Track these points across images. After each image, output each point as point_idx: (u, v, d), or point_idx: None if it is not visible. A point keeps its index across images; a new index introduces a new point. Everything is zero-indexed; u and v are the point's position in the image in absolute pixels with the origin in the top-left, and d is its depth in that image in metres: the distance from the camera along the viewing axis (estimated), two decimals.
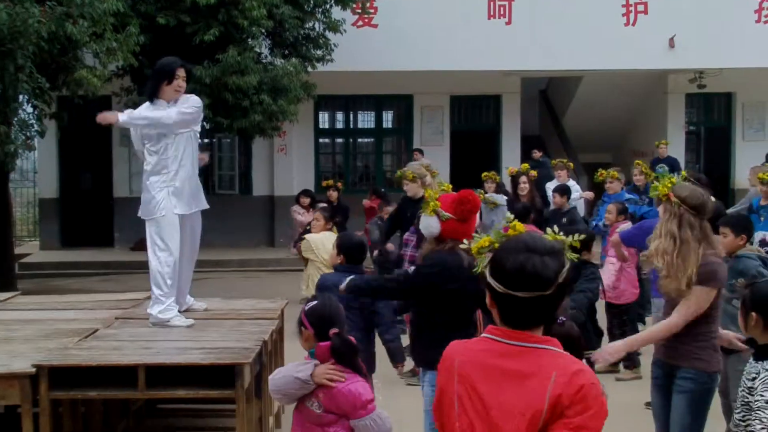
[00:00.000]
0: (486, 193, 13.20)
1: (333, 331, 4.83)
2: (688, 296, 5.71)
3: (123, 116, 7.76)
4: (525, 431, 2.97)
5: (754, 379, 4.94)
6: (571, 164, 16.36)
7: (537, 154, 21.75)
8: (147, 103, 7.82)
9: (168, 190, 7.68)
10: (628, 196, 12.99)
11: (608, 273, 10.42)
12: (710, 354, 5.81)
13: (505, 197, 13.31)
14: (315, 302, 5.03)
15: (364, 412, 4.76)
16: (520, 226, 3.25)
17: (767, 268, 7.22)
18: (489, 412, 3.03)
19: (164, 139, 7.73)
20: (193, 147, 7.87)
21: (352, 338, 4.94)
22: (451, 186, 6.75)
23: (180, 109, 7.70)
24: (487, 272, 3.10)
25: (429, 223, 5.99)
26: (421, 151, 22.12)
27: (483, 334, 3.15)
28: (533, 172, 14.92)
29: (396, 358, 7.47)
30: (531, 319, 3.07)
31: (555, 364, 3.02)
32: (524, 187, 14.04)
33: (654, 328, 6.30)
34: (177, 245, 7.70)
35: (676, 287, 5.75)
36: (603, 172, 14.13)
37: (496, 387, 3.03)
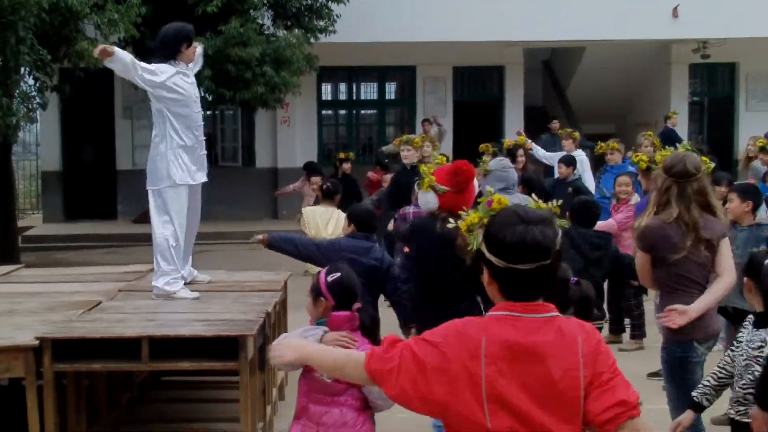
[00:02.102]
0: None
1: (357, 305, 4.81)
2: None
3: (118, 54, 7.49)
4: (566, 401, 3.00)
5: (760, 347, 4.94)
6: (576, 134, 16.28)
7: (555, 124, 21.66)
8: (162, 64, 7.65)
9: (172, 160, 7.63)
10: (631, 168, 12.94)
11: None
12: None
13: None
14: (338, 274, 4.94)
15: None
16: (504, 200, 3.21)
17: None
18: (530, 390, 2.99)
19: (166, 109, 7.66)
20: (196, 118, 7.81)
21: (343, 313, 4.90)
22: (445, 158, 6.71)
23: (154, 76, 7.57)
24: (484, 249, 3.05)
25: (427, 199, 5.98)
26: (430, 122, 22.08)
27: (498, 312, 3.06)
28: (529, 145, 14.87)
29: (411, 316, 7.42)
30: (534, 291, 3.04)
31: (572, 328, 3.05)
32: (521, 160, 13.96)
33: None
34: (183, 216, 7.66)
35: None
36: (603, 145, 14.10)
37: (531, 364, 2.99)
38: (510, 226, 3.00)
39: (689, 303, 5.69)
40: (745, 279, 5.05)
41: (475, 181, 6.34)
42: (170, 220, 7.60)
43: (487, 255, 3.03)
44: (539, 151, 15.48)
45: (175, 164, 7.60)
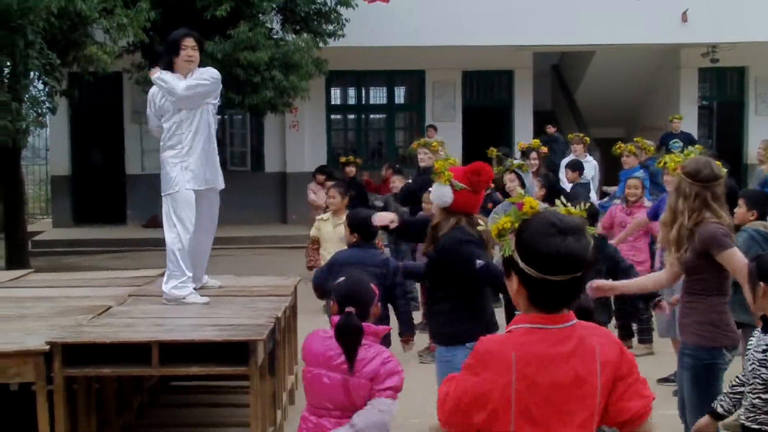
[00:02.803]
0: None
1: (348, 309, 4.80)
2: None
3: (156, 74, 7.69)
4: (588, 407, 3.01)
5: (765, 351, 4.92)
6: (587, 139, 16.27)
7: (551, 129, 21.68)
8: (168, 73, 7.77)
9: (182, 165, 7.65)
10: (641, 175, 12.94)
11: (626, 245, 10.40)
12: (709, 329, 5.76)
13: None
14: (341, 279, 5.01)
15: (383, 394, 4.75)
16: (534, 203, 3.16)
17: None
18: (552, 402, 2.99)
19: (178, 113, 7.69)
20: (209, 122, 7.83)
21: (367, 324, 4.87)
22: (455, 161, 6.70)
23: (189, 82, 7.65)
24: (517, 257, 3.01)
25: (443, 192, 5.93)
26: (434, 128, 22.10)
27: (526, 324, 3.03)
28: (544, 148, 14.84)
29: (408, 329, 7.42)
30: (564, 301, 3.02)
31: (590, 335, 3.06)
32: (534, 163, 13.92)
33: (644, 278, 6.36)
34: (191, 221, 7.66)
35: (675, 257, 5.85)
36: (621, 145, 14.09)
37: (555, 375, 2.99)
38: (545, 237, 2.96)
39: (703, 309, 5.75)
40: (762, 284, 4.98)
41: None
42: (180, 224, 7.61)
43: (521, 264, 2.98)
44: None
45: (182, 170, 7.63)
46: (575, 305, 3.30)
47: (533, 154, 14.24)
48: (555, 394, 2.98)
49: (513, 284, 3.06)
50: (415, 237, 7.12)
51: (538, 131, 22.76)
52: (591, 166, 15.33)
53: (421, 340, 10.04)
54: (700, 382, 5.81)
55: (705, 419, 5.29)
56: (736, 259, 5.68)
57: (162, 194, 7.72)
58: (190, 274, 7.71)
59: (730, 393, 5.21)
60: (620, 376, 3.07)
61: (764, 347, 4.93)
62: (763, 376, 4.91)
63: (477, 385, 3.01)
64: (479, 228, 5.77)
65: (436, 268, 6.11)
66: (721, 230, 5.70)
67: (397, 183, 13.28)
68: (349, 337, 4.74)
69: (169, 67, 7.76)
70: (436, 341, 6.27)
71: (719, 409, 5.22)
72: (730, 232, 5.77)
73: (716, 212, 5.75)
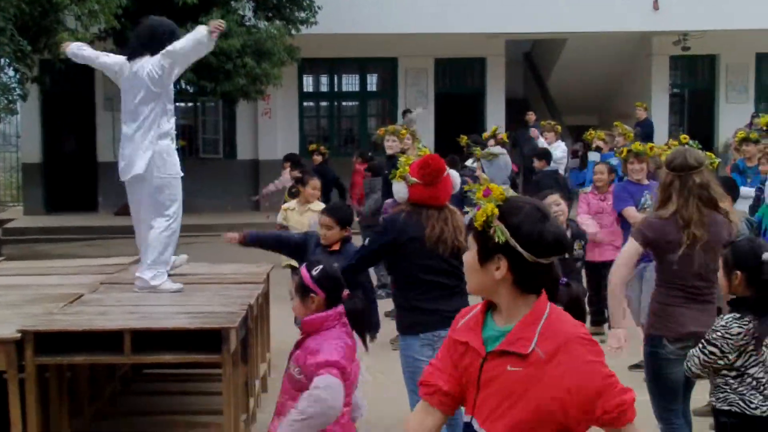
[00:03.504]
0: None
1: (347, 293, 4.81)
2: None
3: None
4: None
5: (738, 334, 4.99)
6: (559, 126, 16.33)
7: (531, 116, 21.67)
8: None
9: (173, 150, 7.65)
10: (614, 161, 12.99)
11: (590, 226, 10.38)
12: (657, 318, 5.82)
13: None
14: (320, 267, 4.87)
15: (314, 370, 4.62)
16: (500, 189, 3.18)
17: (751, 230, 7.25)
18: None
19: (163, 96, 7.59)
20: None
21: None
22: (427, 150, 6.73)
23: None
24: (514, 243, 3.01)
25: (398, 189, 6.01)
26: (410, 111, 22.09)
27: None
28: (503, 135, 14.86)
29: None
30: (545, 283, 3.08)
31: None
32: None
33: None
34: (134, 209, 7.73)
35: None
36: (592, 132, 14.15)
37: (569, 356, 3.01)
38: (540, 223, 3.03)
39: (676, 305, 5.76)
40: (738, 272, 5.03)
41: (454, 173, 6.37)
42: (175, 212, 7.59)
43: (519, 249, 3.00)
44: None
45: (168, 157, 7.62)
46: (567, 295, 3.33)
47: (491, 142, 14.25)
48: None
49: (498, 270, 3.04)
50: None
51: (516, 119, 22.79)
52: (560, 150, 15.39)
53: (392, 327, 10.08)
54: (647, 369, 5.92)
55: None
56: (626, 253, 5.85)
57: (162, 176, 7.58)
58: (171, 262, 7.71)
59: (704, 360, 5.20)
60: None
61: (728, 324, 5.00)
62: (726, 353, 4.99)
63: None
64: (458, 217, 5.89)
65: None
66: (648, 225, 5.81)
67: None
68: (363, 316, 4.86)
69: (158, 51, 7.59)
70: (402, 332, 6.30)
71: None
72: (669, 228, 5.70)
73: (675, 204, 5.73)
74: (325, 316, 4.74)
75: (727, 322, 5.02)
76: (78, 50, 7.92)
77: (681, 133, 20.38)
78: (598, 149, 13.98)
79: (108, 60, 7.82)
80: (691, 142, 8.30)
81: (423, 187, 5.92)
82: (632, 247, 5.80)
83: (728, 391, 5.04)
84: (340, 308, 4.80)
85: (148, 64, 7.42)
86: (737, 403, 5.01)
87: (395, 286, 6.27)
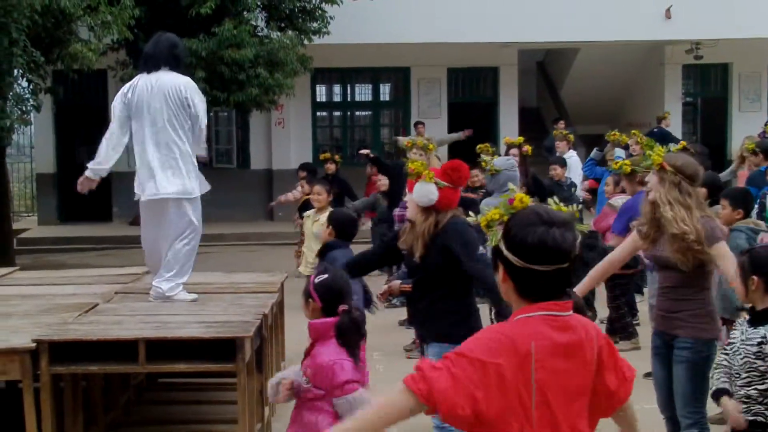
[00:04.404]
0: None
1: (343, 307, 4.79)
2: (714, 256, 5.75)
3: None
4: (587, 391, 3.11)
5: (760, 344, 4.96)
6: (571, 136, 16.29)
7: (561, 125, 21.51)
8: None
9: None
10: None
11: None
12: (706, 321, 5.83)
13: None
14: (326, 275, 4.96)
15: (340, 392, 4.71)
16: (526, 198, 3.20)
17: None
18: (566, 389, 3.04)
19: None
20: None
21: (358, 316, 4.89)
22: (437, 161, 6.77)
23: None
24: (502, 246, 3.06)
25: (429, 190, 5.94)
26: (423, 124, 22.09)
27: (539, 313, 3.05)
28: (527, 147, 14.81)
29: None
30: (550, 292, 3.05)
31: (586, 323, 3.14)
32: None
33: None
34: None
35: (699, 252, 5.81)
36: (616, 133, 14.18)
37: (566, 362, 3.04)
38: (531, 226, 3.01)
39: (698, 302, 5.82)
40: (754, 278, 5.04)
41: None
42: (196, 225, 7.63)
43: (505, 253, 3.04)
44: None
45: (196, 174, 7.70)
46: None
47: (513, 151, 14.17)
48: (568, 383, 3.04)
49: (500, 275, 3.11)
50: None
51: (529, 128, 22.73)
52: (573, 162, 15.32)
53: (406, 335, 10.09)
54: (697, 374, 5.85)
55: (728, 402, 5.23)
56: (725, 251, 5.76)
57: (192, 196, 7.62)
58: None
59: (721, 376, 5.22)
60: (609, 355, 3.20)
61: (759, 340, 4.98)
62: (761, 368, 4.97)
63: (491, 375, 2.97)
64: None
65: (430, 264, 6.11)
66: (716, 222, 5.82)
67: (384, 181, 13.26)
68: (355, 334, 4.78)
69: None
70: (430, 339, 6.24)
71: (725, 386, 5.24)
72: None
73: (706, 210, 5.83)
74: (329, 324, 4.81)
75: (749, 336, 5.04)
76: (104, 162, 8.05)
77: (695, 142, 20.42)
78: (626, 147, 13.97)
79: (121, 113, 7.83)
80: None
81: (451, 190, 5.96)
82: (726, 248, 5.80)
83: (754, 402, 5.02)
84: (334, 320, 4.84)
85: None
86: (763, 414, 4.99)
87: (445, 294, 6.13)
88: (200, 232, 7.64)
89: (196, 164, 7.67)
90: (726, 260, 5.66)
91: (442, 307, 6.10)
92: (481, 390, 2.93)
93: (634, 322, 10.67)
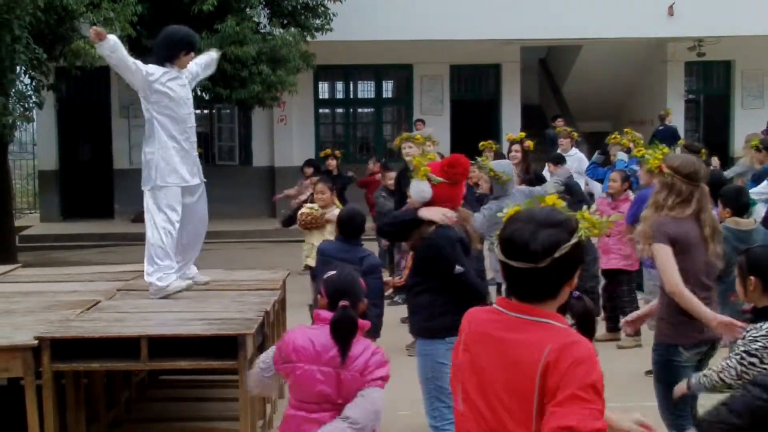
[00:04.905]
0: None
1: (343, 303, 4.80)
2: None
3: (112, 40, 7.49)
4: (519, 404, 2.99)
5: (755, 338, 4.95)
6: (575, 134, 16.27)
7: (560, 122, 21.53)
8: (153, 65, 7.71)
9: (161, 161, 7.72)
10: (633, 165, 12.94)
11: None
12: (667, 326, 5.82)
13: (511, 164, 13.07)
14: (332, 273, 4.99)
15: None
16: (558, 202, 3.20)
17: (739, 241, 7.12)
18: (486, 383, 3.06)
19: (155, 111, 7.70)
20: (186, 119, 7.87)
21: (364, 323, 4.89)
22: (435, 155, 6.70)
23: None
24: (495, 240, 3.15)
25: (421, 188, 5.93)
26: (423, 122, 22.10)
27: (493, 304, 3.17)
28: (529, 142, 14.77)
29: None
30: (531, 292, 3.05)
31: (552, 337, 2.97)
32: (515, 155, 13.75)
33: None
34: (175, 215, 7.74)
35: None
36: (617, 135, 14.15)
37: (494, 359, 3.05)
38: (512, 222, 3.07)
39: (667, 305, 5.81)
40: (752, 278, 5.03)
41: None
42: (160, 219, 7.61)
43: (495, 244, 3.12)
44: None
45: (164, 165, 7.62)
46: (580, 307, 3.30)
47: (515, 147, 14.14)
48: (492, 381, 3.05)
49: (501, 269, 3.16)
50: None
51: (531, 125, 22.70)
52: (576, 159, 15.30)
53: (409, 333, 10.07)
54: (659, 376, 5.90)
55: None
56: (663, 257, 5.76)
57: (143, 188, 7.71)
58: (176, 265, 7.73)
59: (715, 380, 5.19)
60: (554, 388, 2.90)
61: (762, 334, 4.97)
62: (750, 360, 4.96)
63: (453, 351, 3.25)
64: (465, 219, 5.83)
65: (418, 262, 6.12)
66: (665, 223, 5.77)
67: (389, 180, 13.21)
68: (345, 331, 4.75)
69: (173, 58, 7.71)
70: (417, 335, 6.28)
71: (693, 380, 5.24)
72: (688, 227, 5.78)
73: (694, 206, 5.81)
74: (317, 314, 4.88)
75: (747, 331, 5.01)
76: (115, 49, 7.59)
77: (698, 140, 20.42)
78: (628, 150, 13.97)
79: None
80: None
81: (448, 187, 5.89)
82: (664, 250, 5.78)
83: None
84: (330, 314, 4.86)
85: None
86: None
87: (428, 290, 6.17)
88: (160, 224, 7.71)
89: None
90: (658, 260, 5.77)
91: (420, 302, 6.17)
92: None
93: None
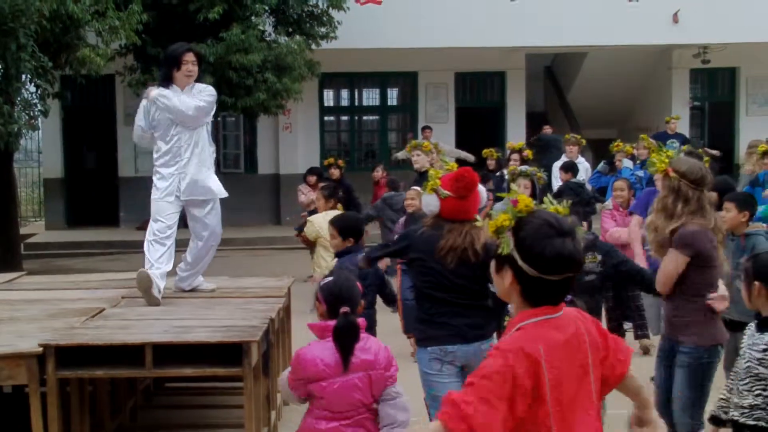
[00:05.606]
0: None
1: (344, 310, 4.79)
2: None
3: (154, 92, 7.70)
4: (588, 367, 3.18)
5: (765, 350, 4.94)
6: (583, 140, 16.28)
7: (548, 129, 21.62)
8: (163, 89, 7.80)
9: (179, 177, 7.81)
10: (638, 172, 12.93)
11: (623, 233, 10.32)
12: (705, 328, 5.85)
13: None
14: (329, 279, 5.02)
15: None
16: (529, 201, 3.19)
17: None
18: (572, 378, 3.12)
19: (174, 128, 7.78)
20: (204, 137, 7.96)
21: (361, 321, 4.90)
22: (456, 165, 6.68)
23: (197, 103, 7.71)
24: (517, 257, 3.08)
25: (429, 201, 5.95)
26: (430, 128, 22.10)
27: (539, 318, 3.12)
28: (528, 151, 14.78)
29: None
30: (554, 299, 3.13)
31: (568, 312, 3.20)
32: (514, 164, 13.75)
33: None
34: (169, 224, 7.92)
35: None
36: (620, 143, 14.13)
37: (569, 355, 3.12)
38: (546, 239, 3.06)
39: (697, 309, 5.83)
40: (756, 283, 5.03)
41: (482, 188, 6.28)
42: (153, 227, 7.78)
43: (520, 263, 3.07)
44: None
45: (180, 181, 7.81)
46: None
47: (514, 155, 14.16)
48: (576, 373, 3.12)
49: (506, 279, 3.14)
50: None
51: (536, 133, 22.74)
52: (583, 168, 15.31)
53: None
54: (695, 379, 5.90)
55: (709, 428, 5.35)
56: (671, 266, 5.84)
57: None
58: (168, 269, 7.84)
59: (730, 397, 5.19)
60: (604, 344, 3.28)
61: (764, 346, 4.95)
62: (761, 375, 4.94)
63: (514, 386, 3.02)
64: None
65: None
66: (697, 234, 5.80)
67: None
68: (349, 337, 4.76)
69: (168, 79, 7.80)
70: (419, 344, 6.29)
71: (723, 416, 5.20)
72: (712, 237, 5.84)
73: (707, 216, 5.84)
74: (324, 326, 4.86)
75: (755, 341, 5.02)
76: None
77: (702, 146, 20.39)
78: (632, 157, 13.96)
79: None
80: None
81: (456, 201, 5.87)
82: (681, 260, 5.81)
83: (757, 408, 4.99)
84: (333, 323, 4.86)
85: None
86: (765, 419, 4.96)
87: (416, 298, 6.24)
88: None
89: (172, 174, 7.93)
90: (667, 264, 5.86)
91: (413, 304, 6.30)
92: (505, 401, 2.99)
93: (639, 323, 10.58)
